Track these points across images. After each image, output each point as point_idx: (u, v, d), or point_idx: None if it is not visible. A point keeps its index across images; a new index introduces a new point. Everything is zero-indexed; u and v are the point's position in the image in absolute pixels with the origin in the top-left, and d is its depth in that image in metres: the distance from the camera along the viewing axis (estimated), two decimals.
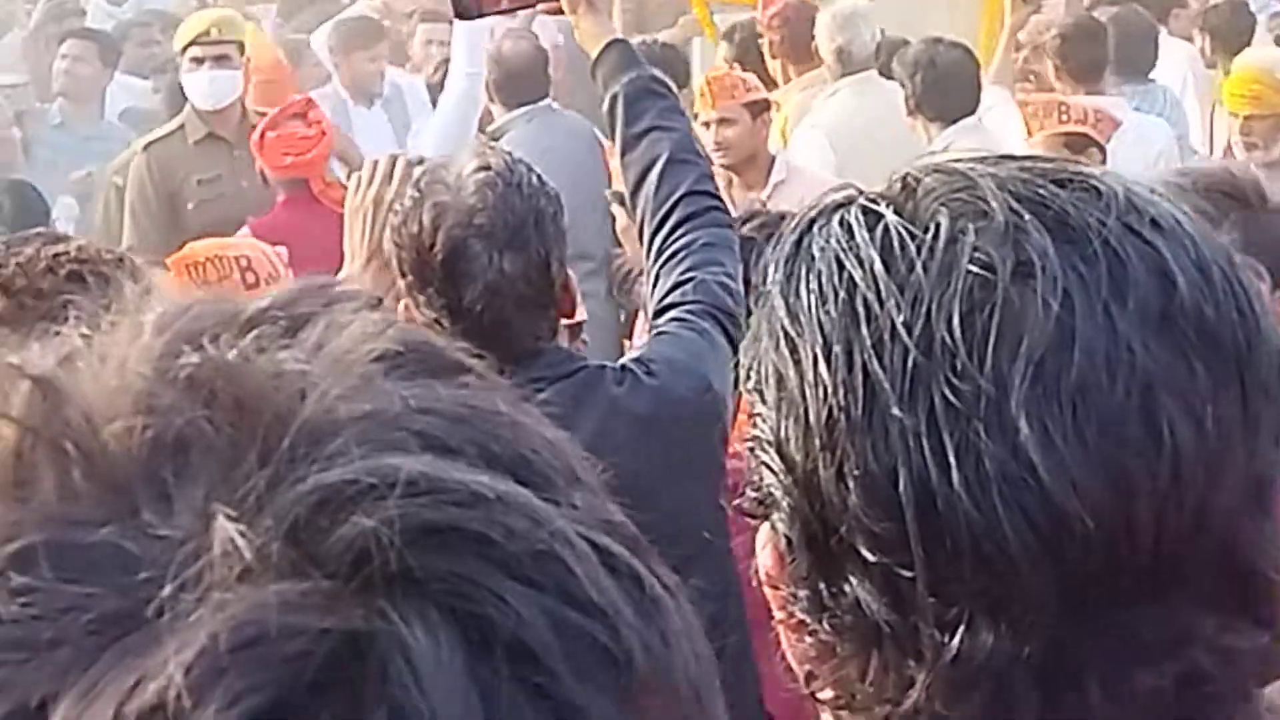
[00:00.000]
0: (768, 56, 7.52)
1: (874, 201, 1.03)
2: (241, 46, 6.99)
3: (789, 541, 1.03)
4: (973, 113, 6.30)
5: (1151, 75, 7.47)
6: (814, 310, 1.00)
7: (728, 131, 6.19)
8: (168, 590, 0.53)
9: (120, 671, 0.51)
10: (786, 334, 1.02)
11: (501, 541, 0.55)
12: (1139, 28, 7.57)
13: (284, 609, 0.52)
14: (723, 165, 6.00)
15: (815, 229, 1.04)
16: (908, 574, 0.97)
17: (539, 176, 2.99)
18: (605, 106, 3.31)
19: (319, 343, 0.60)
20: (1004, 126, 6.30)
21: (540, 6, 3.47)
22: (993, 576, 0.96)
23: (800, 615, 1.02)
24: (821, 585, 1.01)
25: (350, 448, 0.56)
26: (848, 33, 7.14)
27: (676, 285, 3.11)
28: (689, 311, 3.06)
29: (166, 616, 0.52)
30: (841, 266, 1.00)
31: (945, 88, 6.26)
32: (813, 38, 7.33)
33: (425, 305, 2.90)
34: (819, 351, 0.99)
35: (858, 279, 0.99)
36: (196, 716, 0.50)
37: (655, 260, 3.16)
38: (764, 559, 1.06)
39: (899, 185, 1.05)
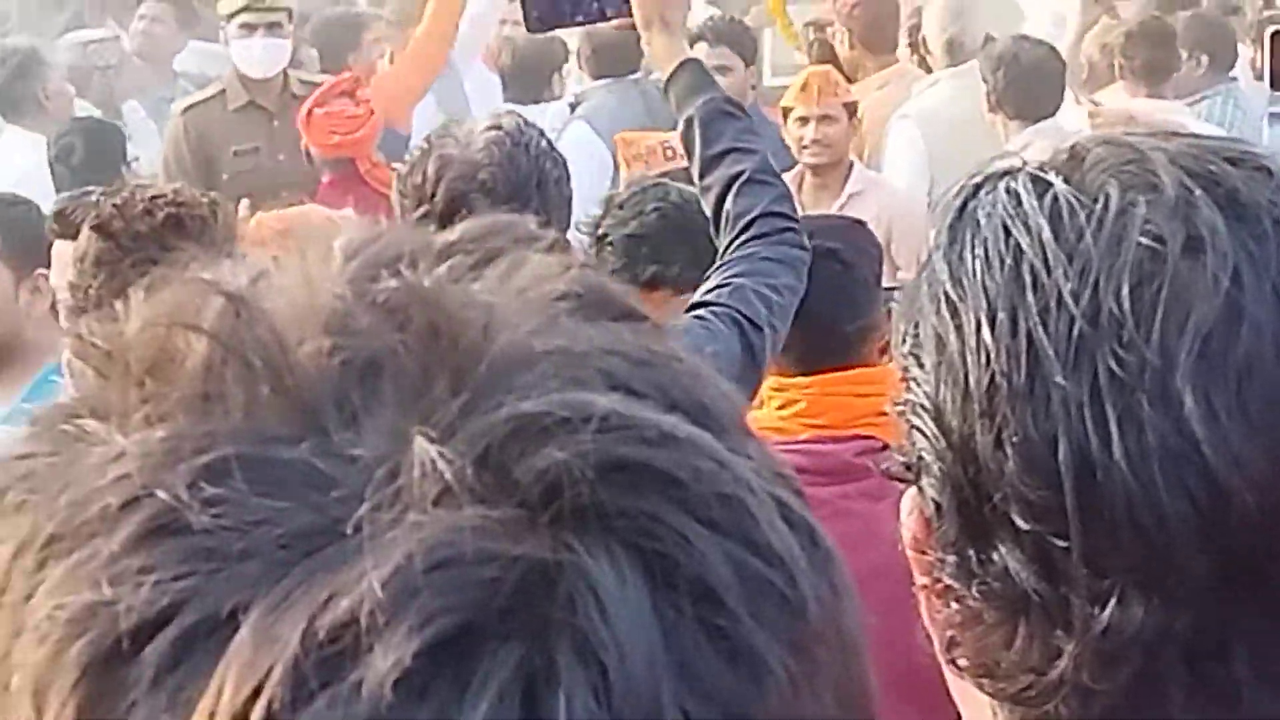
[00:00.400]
0: (842, 48, 7.42)
1: (1042, 169, 1.03)
2: (290, 13, 6.86)
3: (937, 507, 1.02)
4: (1054, 114, 6.26)
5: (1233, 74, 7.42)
6: (979, 275, 1.00)
7: (829, 129, 6.07)
8: (364, 509, 0.53)
9: (312, 586, 0.52)
10: (948, 298, 1.01)
11: (689, 482, 0.55)
12: (1218, 29, 7.52)
13: (478, 534, 0.53)
14: (813, 164, 6.01)
15: (981, 194, 1.04)
16: (1061, 543, 0.96)
17: (549, 142, 3.02)
18: (680, 129, 3.31)
19: (507, 277, 0.60)
20: (1078, 130, 6.26)
21: (614, 22, 3.45)
22: (1149, 549, 0.95)
23: (947, 581, 1.02)
24: (970, 551, 1.01)
25: (543, 380, 0.56)
26: (960, 23, 7.09)
27: (717, 286, 3.10)
28: (713, 312, 3.04)
29: (361, 535, 0.53)
30: (1008, 232, 1.00)
31: (1027, 86, 6.23)
32: (894, 28, 7.29)
33: None
34: (982, 316, 0.99)
35: (1024, 245, 0.99)
36: (388, 633, 0.51)
37: (716, 267, 3.16)
38: (909, 524, 1.06)
39: (1066, 155, 1.04)
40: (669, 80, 3.35)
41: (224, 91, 6.84)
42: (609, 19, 3.40)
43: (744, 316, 3.04)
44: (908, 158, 6.61)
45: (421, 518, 0.53)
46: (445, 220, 2.61)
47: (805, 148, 6.02)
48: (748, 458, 0.58)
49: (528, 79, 7.38)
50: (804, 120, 6.05)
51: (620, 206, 3.51)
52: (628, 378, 0.58)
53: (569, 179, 3.03)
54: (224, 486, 0.54)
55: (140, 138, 7.37)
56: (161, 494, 0.54)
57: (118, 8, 9.39)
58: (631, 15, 3.29)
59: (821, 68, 6.68)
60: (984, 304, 0.99)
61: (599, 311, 0.61)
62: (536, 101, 7.25)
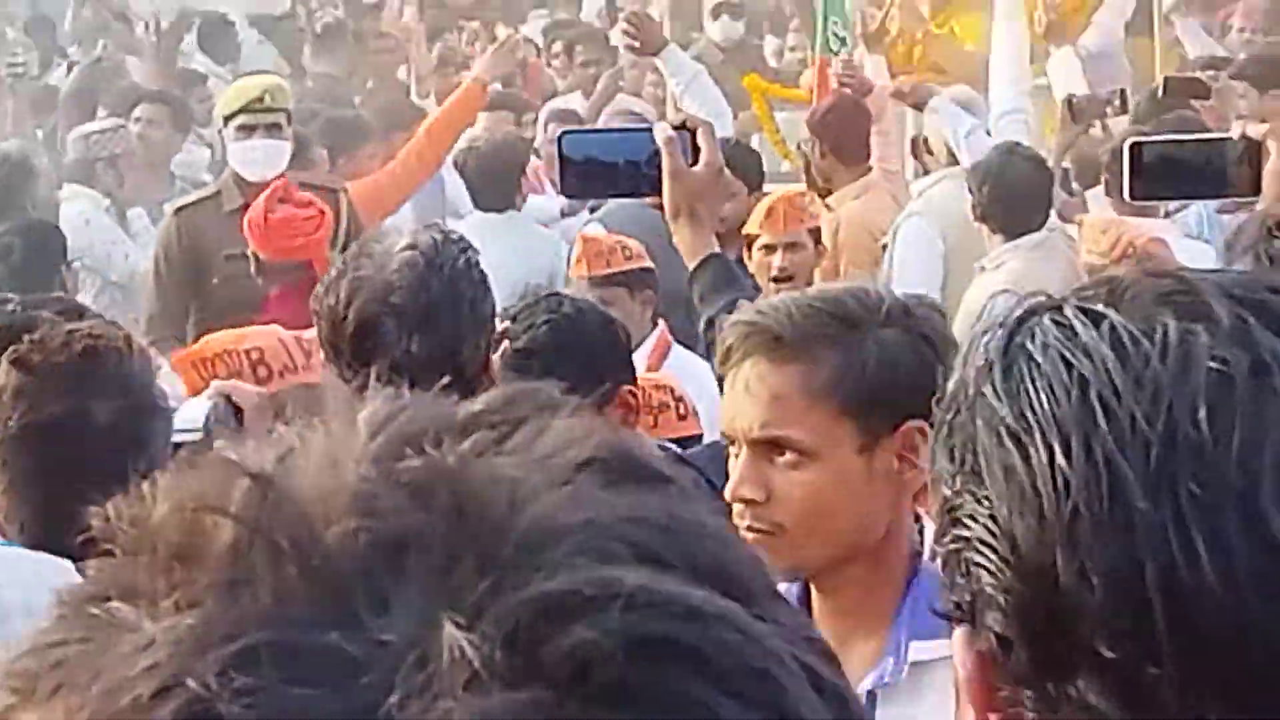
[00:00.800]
0: (814, 156, 7.37)
1: (1087, 302, 1.05)
2: (289, 115, 6.75)
3: (1004, 641, 1.01)
4: (1039, 228, 6.28)
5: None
6: (1045, 406, 1.00)
7: (795, 257, 5.87)
8: (395, 697, 0.54)
9: None
10: (1010, 430, 1.01)
11: (717, 657, 0.56)
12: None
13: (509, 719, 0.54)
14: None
15: (1025, 329, 1.05)
16: (1151, 670, 0.96)
17: (469, 260, 2.95)
18: (701, 326, 3.29)
19: (530, 447, 0.61)
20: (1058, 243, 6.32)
21: (646, 201, 3.38)
22: (1243, 672, 0.95)
23: (1028, 716, 1.01)
24: (1049, 684, 0.99)
25: (570, 556, 0.57)
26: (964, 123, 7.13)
27: None
28: None
29: None
30: (1070, 364, 1.01)
31: (1011, 202, 6.25)
32: (866, 137, 7.27)
33: (339, 377, 2.92)
34: (1055, 445, 0.99)
35: (1089, 375, 1.00)
36: None
37: None
38: (965, 661, 1.05)
39: (1105, 288, 1.06)
40: (693, 274, 3.28)
41: (219, 193, 6.72)
42: (642, 196, 3.34)
43: None
44: (923, 255, 6.60)
45: (451, 704, 0.54)
46: (356, 342, 2.58)
47: (773, 278, 5.75)
48: (777, 624, 0.59)
49: (494, 188, 7.36)
50: (770, 249, 5.86)
51: (514, 319, 3.41)
52: (654, 548, 0.58)
53: (487, 298, 2.99)
54: (254, 675, 0.54)
55: (145, 244, 7.36)
56: (192, 683, 0.54)
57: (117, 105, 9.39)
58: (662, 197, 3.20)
59: (790, 191, 6.60)
60: (1055, 433, 0.99)
61: (624, 476, 0.61)
62: (503, 210, 7.25)
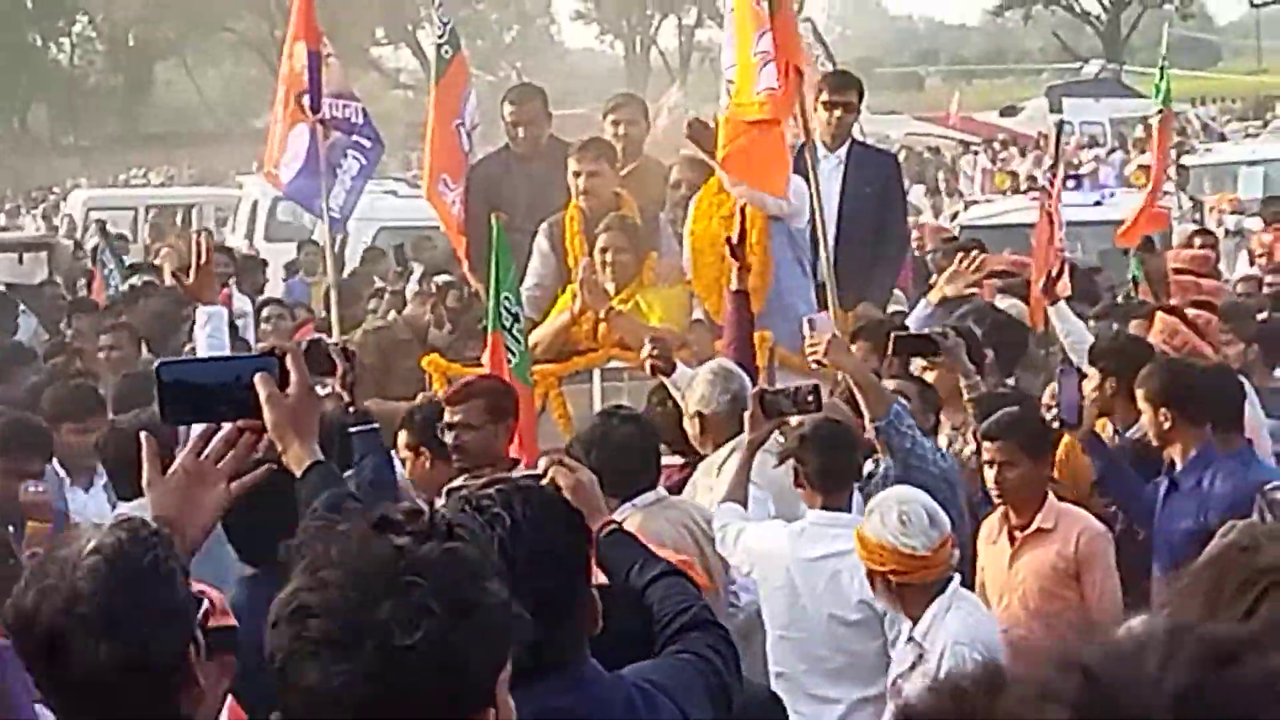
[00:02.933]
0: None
1: None
2: None
3: None
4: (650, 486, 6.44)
5: None
6: None
7: None
8: None
9: None
10: None
11: None
12: None
13: None
14: None
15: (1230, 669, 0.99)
16: None
17: (157, 558, 2.91)
18: (304, 519, 3.34)
19: None
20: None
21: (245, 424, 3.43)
22: None
23: None
24: None
25: None
26: (736, 382, 7.25)
27: None
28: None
29: None
30: None
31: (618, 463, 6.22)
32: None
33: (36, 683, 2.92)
34: None
35: None
36: None
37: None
38: None
39: None
40: (300, 480, 3.43)
41: None
42: (237, 419, 3.40)
43: None
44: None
45: None
46: (45, 651, 2.68)
47: None
48: None
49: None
50: None
51: None
52: None
53: (174, 594, 2.93)
54: None
55: None
56: None
57: None
58: (262, 420, 3.35)
59: None
60: None
61: None
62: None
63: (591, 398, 8.72)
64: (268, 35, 62.12)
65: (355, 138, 9.70)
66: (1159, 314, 9.05)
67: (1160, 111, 13.04)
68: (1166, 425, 7.07)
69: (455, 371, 8.86)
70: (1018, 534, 6.84)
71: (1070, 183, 18.07)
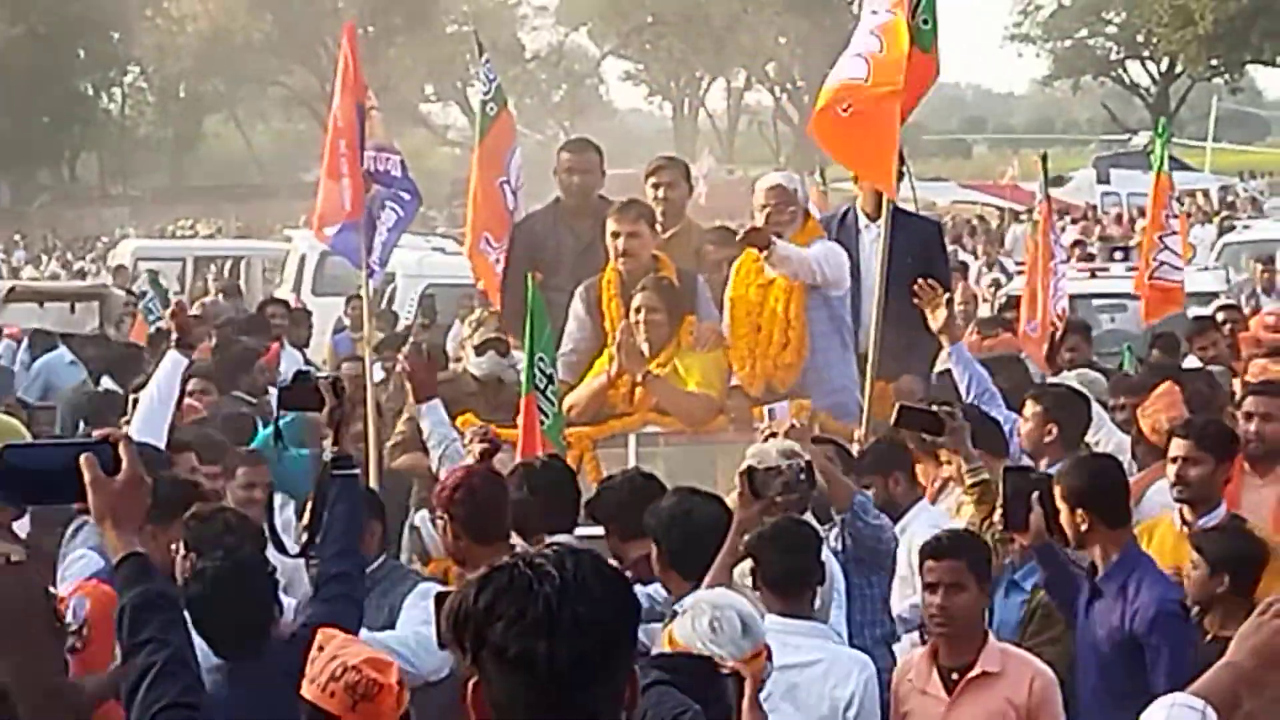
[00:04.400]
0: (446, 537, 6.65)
1: None
2: None
3: None
4: None
5: None
6: None
7: None
8: None
9: None
10: None
11: None
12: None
13: None
14: None
15: None
16: None
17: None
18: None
19: None
20: None
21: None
22: None
23: None
24: None
25: None
26: None
27: None
28: None
29: None
30: None
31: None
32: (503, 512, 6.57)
33: None
34: None
35: None
36: None
37: None
38: None
39: None
40: (116, 567, 3.64)
41: None
42: (70, 502, 3.65)
43: None
44: None
45: None
46: None
47: None
48: None
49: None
50: None
51: None
52: None
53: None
54: None
55: None
56: None
57: None
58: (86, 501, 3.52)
59: None
60: None
61: None
62: None
63: (626, 462, 8.61)
64: (318, 90, 62.57)
65: (394, 190, 9.64)
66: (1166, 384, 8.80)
67: (1157, 175, 12.92)
68: (1084, 527, 6.43)
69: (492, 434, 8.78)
70: (955, 676, 6.11)
71: (1118, 254, 17.97)
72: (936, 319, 8.55)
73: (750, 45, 71.50)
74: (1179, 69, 67.94)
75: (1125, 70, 72.25)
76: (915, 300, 8.51)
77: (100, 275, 32.13)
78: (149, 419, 7.89)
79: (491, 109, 10.28)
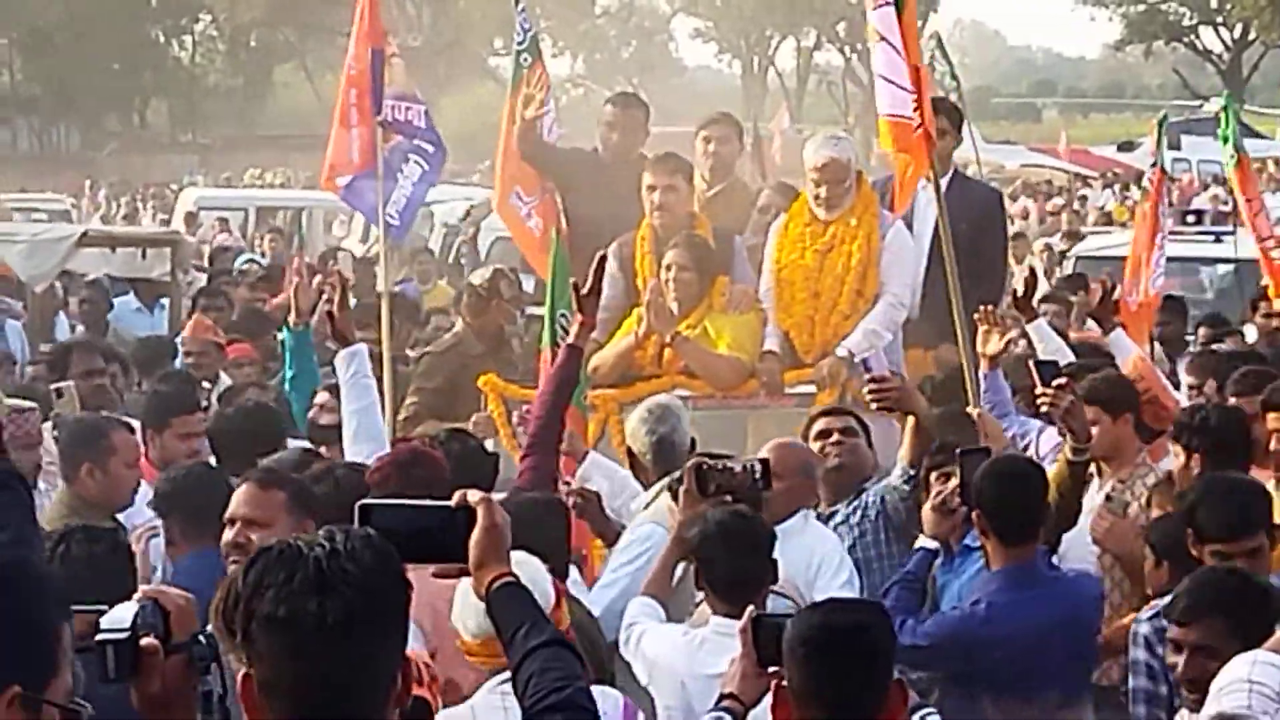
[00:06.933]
0: None
1: None
2: None
3: None
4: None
5: None
6: None
7: None
8: None
9: None
10: None
11: None
12: None
13: None
14: None
15: None
16: None
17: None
18: None
19: None
20: None
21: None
22: None
23: None
24: None
25: None
26: (667, 423, 6.87)
27: None
28: None
29: None
30: None
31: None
32: None
33: None
34: None
35: None
36: None
37: None
38: None
39: None
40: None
41: None
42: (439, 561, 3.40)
43: None
44: None
45: None
46: None
47: None
48: None
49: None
50: None
51: None
52: None
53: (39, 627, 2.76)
54: None
55: None
56: None
57: None
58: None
59: None
60: None
61: None
62: None
63: None
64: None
65: (417, 141, 9.39)
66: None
67: (1234, 157, 12.42)
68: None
69: (512, 393, 8.57)
70: None
71: (1190, 218, 17.59)
72: (988, 344, 8.06)
73: (821, 4, 70.83)
74: (1252, 35, 67.07)
75: (1198, 36, 71.31)
76: (975, 316, 8.07)
77: (160, 222, 32.07)
78: (362, 426, 7.04)
79: (525, 59, 10.01)
